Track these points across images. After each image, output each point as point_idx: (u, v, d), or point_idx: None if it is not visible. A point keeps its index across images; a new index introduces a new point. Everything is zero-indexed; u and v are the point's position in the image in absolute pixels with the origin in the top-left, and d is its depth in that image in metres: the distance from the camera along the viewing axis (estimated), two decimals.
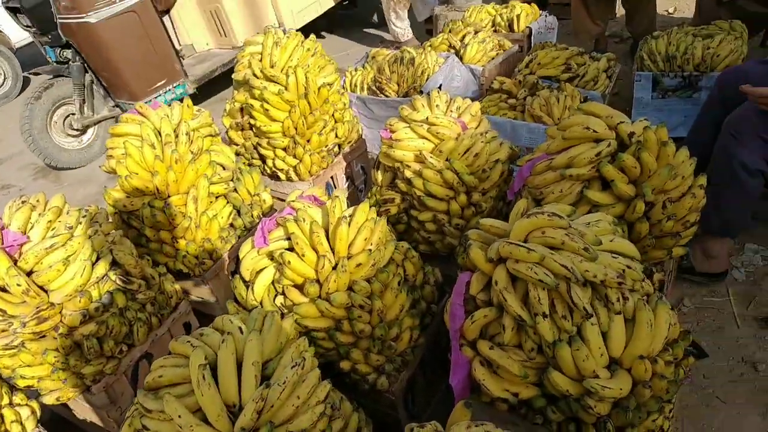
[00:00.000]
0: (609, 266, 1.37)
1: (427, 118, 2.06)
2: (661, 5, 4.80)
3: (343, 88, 3.29)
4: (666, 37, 3.15)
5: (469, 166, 2.04)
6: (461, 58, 3.45)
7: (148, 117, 2.06)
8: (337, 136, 2.56)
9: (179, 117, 2.10)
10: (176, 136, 2.03)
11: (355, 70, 3.31)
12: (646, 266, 1.83)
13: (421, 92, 3.04)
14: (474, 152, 2.02)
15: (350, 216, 1.70)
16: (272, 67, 2.39)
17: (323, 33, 6.23)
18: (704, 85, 3.02)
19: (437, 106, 2.13)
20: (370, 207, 2.31)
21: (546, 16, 3.93)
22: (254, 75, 2.38)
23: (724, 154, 1.96)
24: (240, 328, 1.39)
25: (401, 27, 5.11)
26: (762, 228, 2.50)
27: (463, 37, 3.54)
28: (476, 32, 3.59)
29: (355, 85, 3.21)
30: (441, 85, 3.13)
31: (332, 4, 5.45)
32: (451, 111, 2.13)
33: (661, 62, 3.08)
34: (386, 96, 3.11)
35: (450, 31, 3.68)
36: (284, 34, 2.47)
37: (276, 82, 2.35)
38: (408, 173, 2.09)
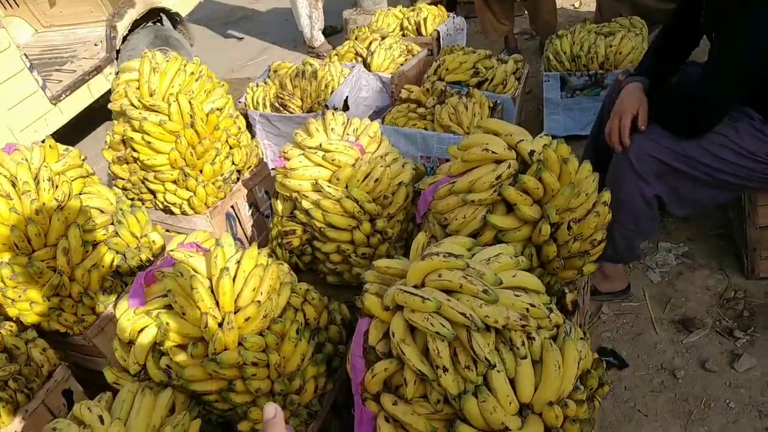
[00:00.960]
0: (511, 307, 1.27)
1: (321, 144, 1.91)
2: (566, 0, 4.86)
3: (245, 106, 3.09)
4: (570, 36, 3.13)
5: (370, 192, 1.90)
6: (369, 66, 3.32)
7: (1, 164, 1.80)
8: (234, 163, 2.36)
9: (40, 160, 1.85)
10: (37, 183, 1.78)
11: (257, 85, 3.11)
12: (558, 288, 1.77)
13: (326, 106, 2.89)
14: (374, 177, 1.89)
15: (237, 262, 1.53)
16: (152, 95, 2.16)
17: (239, 34, 5.95)
18: (610, 82, 3.02)
19: (332, 129, 1.98)
20: (273, 239, 2.16)
21: (454, 17, 3.86)
22: (132, 105, 2.15)
23: (615, 184, 1.87)
24: (101, 417, 1.20)
25: (312, 29, 4.87)
26: (675, 223, 2.51)
27: (370, 44, 3.41)
28: (383, 38, 3.47)
29: (258, 102, 3.02)
30: (347, 98, 2.99)
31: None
32: (348, 134, 1.99)
33: (566, 62, 3.06)
34: (290, 112, 2.94)
35: (356, 38, 3.54)
36: (164, 57, 2.25)
37: (157, 112, 2.13)
38: (306, 204, 1.93)
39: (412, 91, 2.89)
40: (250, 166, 2.47)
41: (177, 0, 3.99)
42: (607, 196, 1.72)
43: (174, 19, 4.04)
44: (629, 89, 1.93)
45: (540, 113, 3.26)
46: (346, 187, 1.92)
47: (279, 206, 2.10)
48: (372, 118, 3.24)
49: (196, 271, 1.47)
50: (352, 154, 1.92)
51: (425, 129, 2.78)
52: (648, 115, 1.87)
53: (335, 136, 1.98)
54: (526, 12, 4.31)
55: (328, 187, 1.89)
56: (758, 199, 1.98)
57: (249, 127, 3.17)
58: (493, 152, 1.66)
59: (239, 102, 3.12)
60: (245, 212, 2.47)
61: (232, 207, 2.41)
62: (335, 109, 2.90)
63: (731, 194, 2.00)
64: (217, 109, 2.25)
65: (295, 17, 4.91)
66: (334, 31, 5.08)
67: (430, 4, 4.66)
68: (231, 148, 2.35)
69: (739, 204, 2.14)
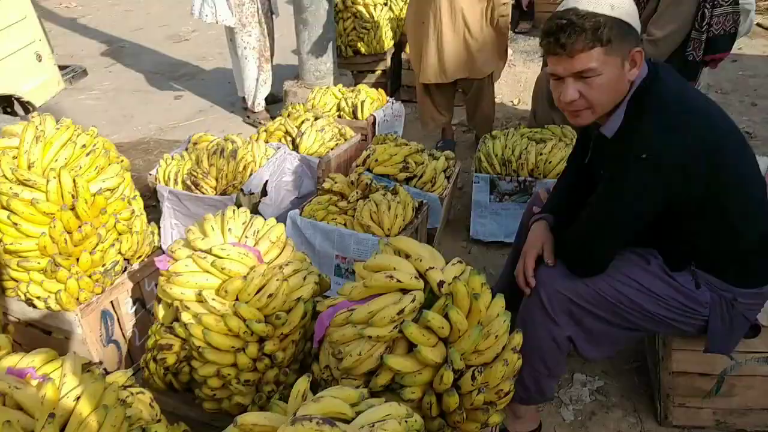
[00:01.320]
0: None
1: (211, 248, 1.68)
2: (506, 96, 4.94)
3: (155, 179, 2.84)
4: (503, 139, 3.09)
5: (262, 308, 1.68)
6: (297, 148, 3.16)
7: None
8: (120, 252, 2.09)
9: None
10: None
11: (172, 158, 2.88)
12: None
13: (242, 190, 2.68)
14: (268, 292, 1.67)
15: (77, 399, 1.25)
16: (30, 167, 1.90)
17: (179, 90, 5.72)
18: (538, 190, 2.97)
19: (230, 230, 1.76)
20: (148, 350, 1.88)
21: (393, 103, 3.80)
22: (4, 176, 1.88)
23: (526, 323, 1.74)
24: None
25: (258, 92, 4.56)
26: None
27: (302, 123, 3.27)
28: (316, 119, 3.34)
29: (169, 177, 2.78)
30: (267, 182, 2.80)
31: None
32: (247, 237, 1.78)
33: (497, 165, 3.00)
34: (203, 193, 2.71)
35: (288, 116, 3.39)
36: (55, 124, 2.01)
37: (32, 188, 1.86)
38: (186, 317, 1.68)
39: (336, 182, 2.73)
40: (140, 255, 2.21)
41: (30, 89, 3.63)
42: (518, 339, 1.56)
43: (26, 108, 3.69)
44: (533, 229, 1.87)
45: (469, 212, 3.16)
46: (237, 300, 1.69)
47: (160, 312, 1.83)
48: (294, 204, 3.06)
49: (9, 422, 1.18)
50: (246, 262, 1.70)
51: (345, 225, 2.61)
52: (554, 251, 1.79)
53: (232, 238, 1.76)
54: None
55: (213, 300, 1.65)
56: (672, 342, 1.88)
57: (158, 201, 2.92)
58: (398, 281, 1.49)
59: (150, 174, 2.87)
60: (127, 309, 2.17)
61: (111, 303, 2.12)
62: (251, 194, 2.70)
63: (647, 334, 1.90)
64: (108, 190, 2.00)
65: (236, 79, 4.74)
66: (275, 100, 4.95)
67: (372, 85, 4.65)
68: (120, 234, 2.09)
69: (653, 345, 2.04)
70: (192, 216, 2.82)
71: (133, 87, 6.00)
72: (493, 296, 1.59)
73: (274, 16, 4.52)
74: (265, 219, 2.79)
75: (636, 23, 1.55)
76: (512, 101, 4.81)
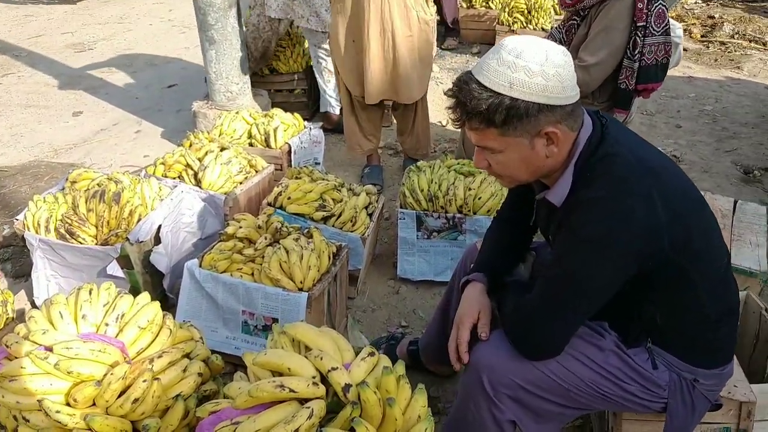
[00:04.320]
0: None
1: (54, 345, 1.32)
2: (434, 115, 4.72)
3: (23, 225, 2.40)
4: (428, 172, 2.85)
5: (127, 415, 1.33)
6: (200, 182, 2.79)
7: None
8: None
9: None
10: None
11: (44, 200, 2.43)
12: None
13: (128, 239, 2.29)
14: (132, 397, 1.32)
15: None
16: None
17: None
18: (468, 228, 2.75)
19: (84, 316, 1.40)
20: None
21: (311, 129, 3.49)
22: None
23: (464, 404, 1.52)
24: None
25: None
26: None
27: (205, 155, 2.90)
28: (222, 149, 2.98)
29: (39, 224, 2.34)
30: (160, 227, 2.42)
31: None
32: (108, 324, 1.42)
33: (423, 201, 2.76)
34: (80, 243, 2.30)
35: (190, 146, 3.01)
36: None
37: None
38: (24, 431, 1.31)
39: (241, 226, 2.39)
40: None
41: None
42: None
43: None
44: (467, 294, 1.64)
45: (397, 247, 2.90)
46: (95, 405, 1.34)
47: (3, 414, 1.44)
48: (197, 247, 2.69)
49: None
50: (104, 360, 1.35)
51: (252, 275, 2.27)
52: (492, 320, 1.56)
53: (88, 327, 1.40)
54: (393, 122, 4.07)
55: (57, 413, 1.29)
56: (623, 413, 1.68)
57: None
58: (291, 390, 1.18)
59: (16, 220, 2.42)
60: None
61: None
62: (140, 242, 2.31)
63: (597, 410, 1.70)
64: None
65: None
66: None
67: (292, 105, 4.32)
68: None
69: (602, 413, 1.84)
70: (71, 267, 2.40)
71: (26, 102, 5.38)
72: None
73: None
74: (160, 270, 2.47)
75: (553, 97, 1.32)
76: (440, 121, 4.61)
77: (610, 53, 2.66)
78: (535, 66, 1.29)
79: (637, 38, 2.60)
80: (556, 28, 3.00)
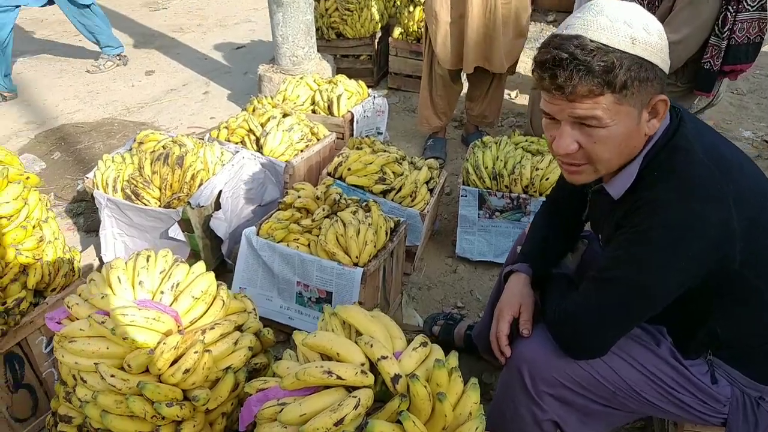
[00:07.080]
0: None
1: (112, 310, 1.33)
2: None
3: (93, 183, 2.47)
4: (494, 149, 2.72)
5: (178, 384, 1.34)
6: (261, 148, 2.79)
7: None
8: (26, 287, 1.73)
9: None
10: None
11: (112, 160, 2.49)
12: None
13: (189, 203, 2.31)
14: (183, 367, 1.33)
15: None
16: None
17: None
18: (533, 209, 2.62)
19: (141, 282, 1.41)
20: (50, 415, 1.54)
21: (374, 97, 3.40)
22: None
23: (504, 401, 1.45)
24: None
25: None
26: None
27: (268, 120, 2.88)
28: (285, 116, 2.95)
29: (107, 183, 2.40)
30: (221, 193, 2.43)
31: None
32: (163, 292, 1.43)
33: (487, 178, 2.64)
34: (144, 204, 2.34)
35: (253, 111, 3.00)
36: None
37: None
38: (82, 392, 1.34)
39: (300, 195, 2.37)
40: (55, 288, 1.85)
41: None
42: None
43: None
44: (510, 285, 1.55)
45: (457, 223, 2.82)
46: (149, 372, 1.35)
47: (63, 370, 1.49)
48: (256, 213, 2.70)
49: None
50: (158, 328, 1.35)
51: (308, 247, 2.25)
52: (534, 314, 1.47)
53: (144, 294, 1.41)
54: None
55: (112, 377, 1.31)
56: (684, 423, 1.56)
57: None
58: (338, 377, 1.15)
59: (86, 178, 2.49)
60: (41, 349, 1.83)
61: (19, 344, 1.77)
62: (201, 207, 2.33)
63: (645, 416, 1.60)
64: (3, 218, 1.64)
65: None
66: None
67: (357, 71, 4.24)
68: (27, 267, 1.73)
69: (661, 420, 1.72)
70: (136, 227, 2.46)
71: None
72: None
73: None
74: (219, 236, 2.49)
75: (664, 61, 1.18)
76: (509, 94, 4.41)
77: (696, 30, 2.41)
78: (651, 24, 1.15)
79: (728, 13, 2.33)
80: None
